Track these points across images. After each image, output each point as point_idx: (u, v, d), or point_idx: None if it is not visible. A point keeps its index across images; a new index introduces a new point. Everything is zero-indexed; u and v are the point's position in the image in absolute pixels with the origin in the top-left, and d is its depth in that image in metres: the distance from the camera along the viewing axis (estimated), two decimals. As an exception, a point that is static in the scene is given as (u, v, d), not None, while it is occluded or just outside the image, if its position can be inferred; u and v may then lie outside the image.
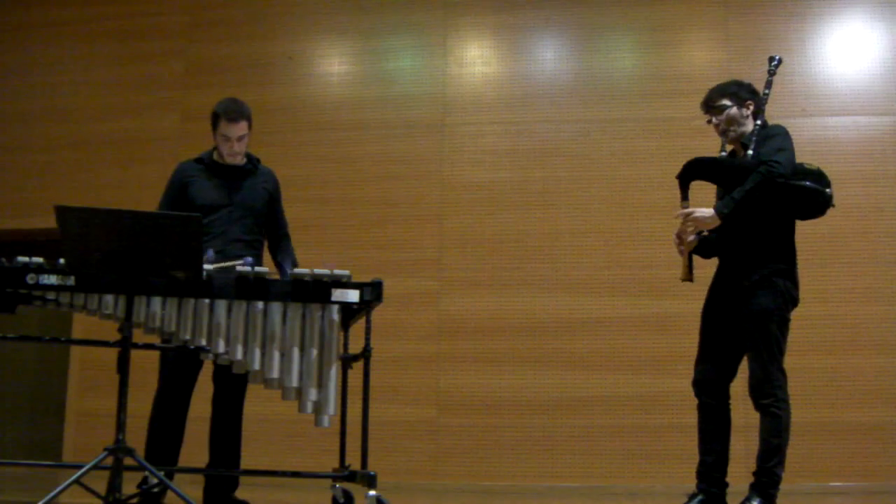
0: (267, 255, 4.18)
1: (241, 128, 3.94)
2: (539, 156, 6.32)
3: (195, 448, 4.00)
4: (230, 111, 3.93)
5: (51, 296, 3.31)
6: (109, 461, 2.99)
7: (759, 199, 3.47)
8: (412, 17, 6.69)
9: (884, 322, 5.75)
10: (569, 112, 6.36)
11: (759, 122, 3.67)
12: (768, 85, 3.78)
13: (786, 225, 3.63)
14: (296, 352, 3.39)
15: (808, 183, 3.52)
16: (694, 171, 3.64)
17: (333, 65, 6.73)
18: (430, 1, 6.67)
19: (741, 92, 3.71)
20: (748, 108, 3.70)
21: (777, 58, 3.87)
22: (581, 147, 6.29)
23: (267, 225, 4.15)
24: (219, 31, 6.86)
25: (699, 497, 3.56)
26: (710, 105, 3.72)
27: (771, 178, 3.44)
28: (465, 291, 6.17)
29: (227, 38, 6.82)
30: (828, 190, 3.56)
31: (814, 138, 6.02)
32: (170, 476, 3.74)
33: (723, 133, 3.71)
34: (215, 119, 3.97)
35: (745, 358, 3.61)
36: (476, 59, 6.57)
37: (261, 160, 4.18)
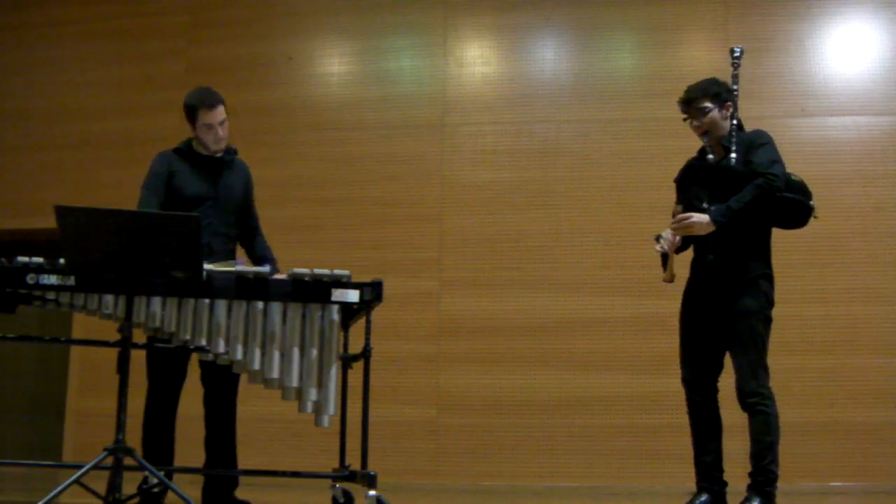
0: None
1: (220, 112, 3.89)
2: (539, 156, 6.32)
3: (193, 447, 4.00)
4: (206, 98, 3.89)
5: (51, 296, 3.32)
6: (109, 461, 2.99)
7: (756, 210, 3.49)
8: (412, 17, 6.69)
9: (884, 322, 5.76)
10: (569, 112, 6.36)
11: (734, 122, 3.68)
12: (736, 80, 3.74)
13: (766, 230, 3.68)
14: (296, 352, 3.39)
15: (796, 196, 3.56)
16: (693, 176, 3.64)
17: (333, 65, 6.73)
18: (430, 1, 6.67)
19: (722, 92, 3.70)
20: (728, 110, 3.71)
21: (739, 49, 3.80)
22: (581, 147, 6.29)
23: (242, 219, 4.09)
24: (219, 31, 6.86)
25: (704, 496, 3.56)
26: (693, 106, 3.69)
27: (770, 192, 3.48)
28: (465, 291, 6.17)
29: (227, 38, 6.82)
30: (811, 202, 3.62)
31: (814, 138, 6.02)
32: (169, 476, 3.73)
33: (704, 134, 3.70)
34: (192, 111, 3.90)
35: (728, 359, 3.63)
36: (476, 59, 6.57)
37: (238, 152, 4.12)
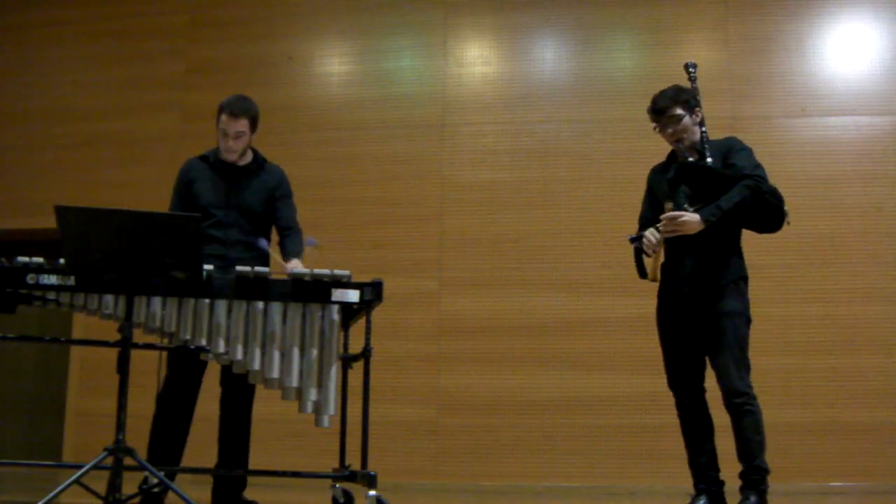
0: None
1: (239, 125, 3.88)
2: (539, 156, 6.32)
3: (197, 448, 4.00)
4: (232, 106, 3.88)
5: (51, 296, 3.32)
6: (109, 461, 2.99)
7: (745, 210, 3.51)
8: (412, 17, 6.69)
9: (884, 322, 5.76)
10: (569, 112, 6.36)
11: (703, 129, 3.69)
12: (697, 91, 3.77)
13: (738, 232, 3.71)
14: (296, 352, 3.39)
15: (775, 201, 3.59)
16: (685, 175, 3.65)
17: (333, 65, 6.73)
18: (430, 1, 6.67)
19: (690, 99, 3.73)
20: (697, 115, 3.73)
21: (693, 63, 3.83)
22: (581, 147, 6.29)
23: (274, 223, 4.11)
24: (219, 31, 6.86)
25: (703, 498, 3.57)
26: (666, 114, 3.71)
27: (759, 192, 3.52)
28: (465, 291, 6.17)
29: (227, 38, 6.82)
30: (785, 208, 3.65)
31: (814, 138, 6.02)
32: (171, 476, 3.73)
33: (678, 141, 3.72)
34: (218, 112, 3.92)
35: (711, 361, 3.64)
36: (476, 59, 6.57)
37: (268, 159, 4.15)
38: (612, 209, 6.12)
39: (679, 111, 3.69)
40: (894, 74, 6.11)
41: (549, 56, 6.51)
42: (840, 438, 5.60)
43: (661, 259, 3.71)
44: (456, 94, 6.51)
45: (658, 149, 6.18)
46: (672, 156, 3.83)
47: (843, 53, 6.19)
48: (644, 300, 5.99)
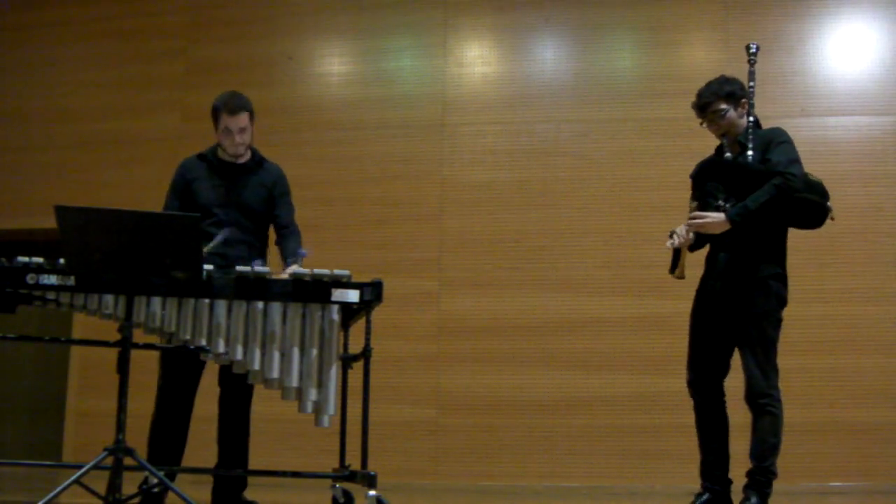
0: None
1: (242, 119, 3.88)
2: (539, 156, 6.32)
3: (198, 448, 4.00)
4: (230, 103, 3.87)
5: (51, 296, 3.31)
6: (109, 461, 2.99)
7: (773, 210, 3.47)
8: (412, 17, 6.69)
9: (884, 322, 5.75)
10: (569, 112, 6.35)
11: (751, 118, 3.66)
12: (752, 76, 3.73)
13: (782, 230, 3.66)
14: (296, 352, 3.38)
15: (814, 197, 3.54)
16: (710, 172, 3.62)
17: (333, 65, 6.73)
18: (430, 1, 6.67)
19: (735, 91, 3.68)
20: (743, 107, 3.69)
21: (755, 45, 3.79)
22: (581, 147, 6.29)
23: (267, 223, 4.12)
24: (219, 31, 6.86)
25: (705, 496, 3.57)
26: (709, 109, 3.66)
27: (788, 192, 3.46)
28: (465, 291, 6.17)
29: (227, 38, 6.82)
30: (828, 203, 3.60)
31: (814, 138, 6.01)
32: (171, 476, 3.73)
33: (723, 135, 3.69)
34: (216, 113, 3.91)
35: (738, 358, 3.62)
36: (476, 59, 6.57)
37: (266, 158, 4.15)
38: (612, 209, 6.13)
39: (723, 106, 3.64)
40: (894, 74, 6.11)
41: (549, 56, 6.51)
42: (840, 438, 5.60)
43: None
44: (456, 94, 6.51)
45: (658, 148, 6.22)
46: (720, 147, 3.76)
47: (843, 53, 6.19)
48: (644, 300, 6.03)
